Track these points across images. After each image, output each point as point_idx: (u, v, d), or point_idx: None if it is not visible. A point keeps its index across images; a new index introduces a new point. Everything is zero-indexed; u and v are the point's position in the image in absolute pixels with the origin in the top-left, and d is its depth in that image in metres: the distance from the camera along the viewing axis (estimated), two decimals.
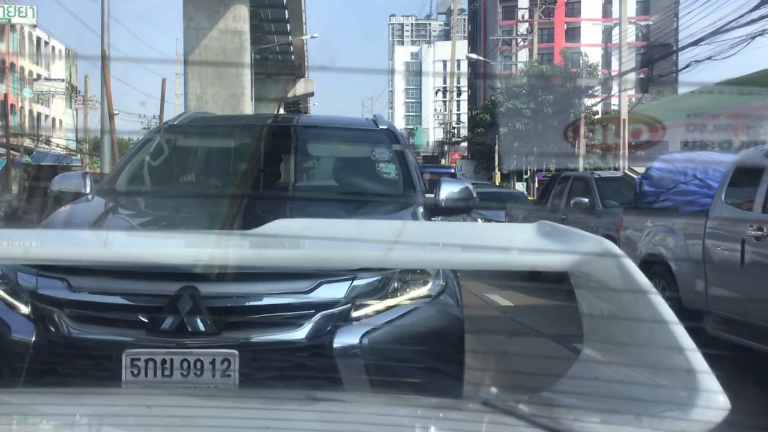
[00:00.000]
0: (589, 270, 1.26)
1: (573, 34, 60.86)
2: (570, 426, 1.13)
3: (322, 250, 1.30)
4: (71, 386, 2.35)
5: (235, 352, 2.74)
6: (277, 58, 40.82)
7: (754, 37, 13.49)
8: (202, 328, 2.75)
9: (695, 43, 15.07)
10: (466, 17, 77.16)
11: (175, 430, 1.18)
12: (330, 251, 1.30)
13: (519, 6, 56.05)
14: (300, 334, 2.83)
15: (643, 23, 36.73)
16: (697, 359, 1.09)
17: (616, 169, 17.06)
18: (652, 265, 6.57)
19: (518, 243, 1.42)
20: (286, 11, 33.46)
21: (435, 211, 3.99)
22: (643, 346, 1.19)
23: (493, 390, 1.37)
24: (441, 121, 64.31)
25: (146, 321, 2.79)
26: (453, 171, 27.65)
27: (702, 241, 5.97)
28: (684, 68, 17.04)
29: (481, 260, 1.36)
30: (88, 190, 4.06)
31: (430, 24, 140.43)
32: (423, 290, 3.05)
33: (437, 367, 2.84)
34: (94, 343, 2.81)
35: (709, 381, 1.06)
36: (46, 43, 53.54)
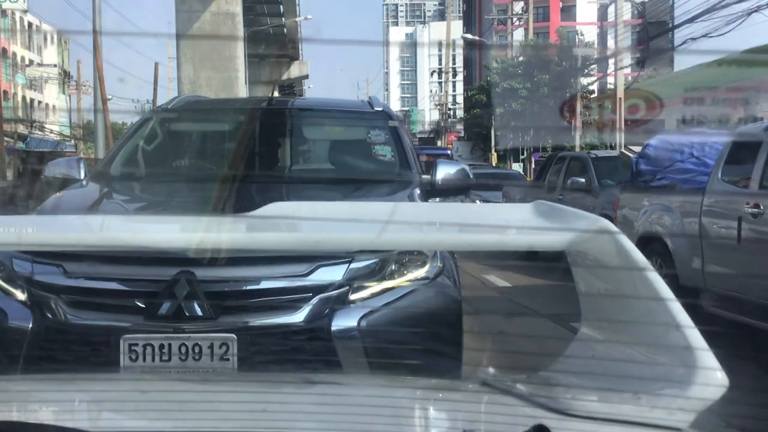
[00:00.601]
0: (586, 249, 1.25)
1: (568, 12, 60.54)
2: (568, 404, 1.13)
3: (317, 233, 1.30)
4: (69, 372, 2.35)
5: (234, 336, 2.75)
6: (271, 41, 40.53)
7: (750, 13, 13.43)
8: (199, 312, 2.75)
9: (691, 20, 15.01)
10: None
11: (172, 415, 1.18)
12: (324, 234, 1.29)
13: None
14: (298, 317, 2.83)
15: (638, 0, 36.51)
16: (695, 336, 1.08)
17: (612, 147, 17.04)
18: (649, 244, 6.58)
19: (515, 223, 1.41)
20: None
21: (432, 192, 3.98)
22: (640, 324, 1.18)
23: (491, 370, 1.37)
24: (437, 103, 64.09)
25: (143, 306, 2.79)
26: (449, 152, 27.61)
27: (699, 219, 5.97)
28: (680, 45, 16.98)
29: (477, 240, 1.35)
30: (82, 175, 4.04)
31: (424, 4, 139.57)
32: (421, 272, 3.05)
33: (435, 349, 2.84)
34: (91, 329, 2.81)
35: (707, 358, 1.06)
36: (38, 27, 53.13)
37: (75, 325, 2.81)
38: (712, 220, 5.86)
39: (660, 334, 1.12)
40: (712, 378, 1.04)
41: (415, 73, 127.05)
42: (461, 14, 75.52)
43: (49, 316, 2.82)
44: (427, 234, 1.39)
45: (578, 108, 24.43)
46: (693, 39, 15.39)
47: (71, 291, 2.85)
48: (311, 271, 2.87)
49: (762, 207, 5.21)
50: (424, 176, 4.10)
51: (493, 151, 38.48)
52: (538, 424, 0.91)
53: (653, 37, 20.55)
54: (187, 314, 2.74)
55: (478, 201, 13.40)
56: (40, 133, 41.78)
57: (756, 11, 13.27)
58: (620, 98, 18.78)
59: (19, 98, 48.97)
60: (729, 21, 13.86)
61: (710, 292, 5.77)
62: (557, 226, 1.31)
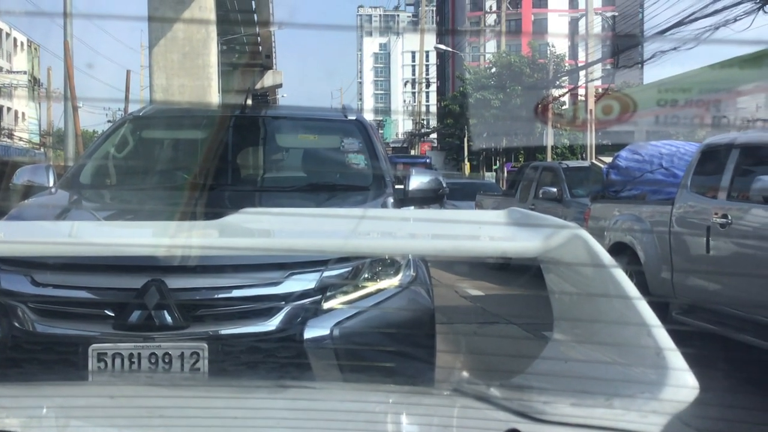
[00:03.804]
0: (559, 255, 1.26)
1: (540, 25, 61.20)
2: (541, 409, 1.13)
3: (288, 239, 1.29)
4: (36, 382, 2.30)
5: (204, 345, 2.71)
6: (245, 49, 40.38)
7: (717, 28, 13.68)
8: (169, 321, 2.71)
9: (661, 33, 15.26)
10: (435, 8, 77.12)
11: (142, 422, 1.16)
12: (296, 239, 1.28)
13: None
14: (270, 326, 2.81)
15: (608, 14, 37.06)
16: (666, 340, 1.09)
17: (583, 158, 17.21)
18: (620, 254, 6.65)
19: (488, 230, 1.41)
20: (253, 1, 33.11)
21: (405, 201, 3.98)
22: (612, 329, 1.19)
23: (464, 376, 1.36)
24: (410, 113, 64.25)
25: (113, 315, 2.74)
26: (427, 161, 27.38)
27: (668, 229, 6.05)
28: (649, 59, 17.24)
29: (450, 247, 1.35)
30: (51, 183, 3.98)
31: (398, 15, 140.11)
32: (394, 281, 3.04)
33: (408, 357, 2.84)
34: (59, 339, 2.76)
35: (678, 361, 1.07)
36: (8, 35, 52.39)
37: (43, 334, 2.76)
38: (681, 231, 5.94)
39: (631, 337, 1.13)
40: (683, 380, 1.05)
41: (388, 83, 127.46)
42: (435, 25, 75.92)
43: (17, 325, 2.77)
44: (400, 240, 1.39)
45: (550, 117, 24.67)
46: (662, 52, 15.63)
47: (39, 300, 2.80)
48: (283, 280, 2.85)
49: (730, 217, 5.29)
50: (398, 186, 4.10)
51: (466, 161, 38.70)
52: (511, 429, 0.91)
53: (623, 50, 20.84)
54: (157, 323, 2.70)
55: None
56: (8, 140, 41.06)
57: (723, 26, 13.51)
58: (591, 109, 19.00)
59: None
60: (697, 35, 14.09)
61: (680, 301, 5.84)
62: (530, 233, 1.31)
